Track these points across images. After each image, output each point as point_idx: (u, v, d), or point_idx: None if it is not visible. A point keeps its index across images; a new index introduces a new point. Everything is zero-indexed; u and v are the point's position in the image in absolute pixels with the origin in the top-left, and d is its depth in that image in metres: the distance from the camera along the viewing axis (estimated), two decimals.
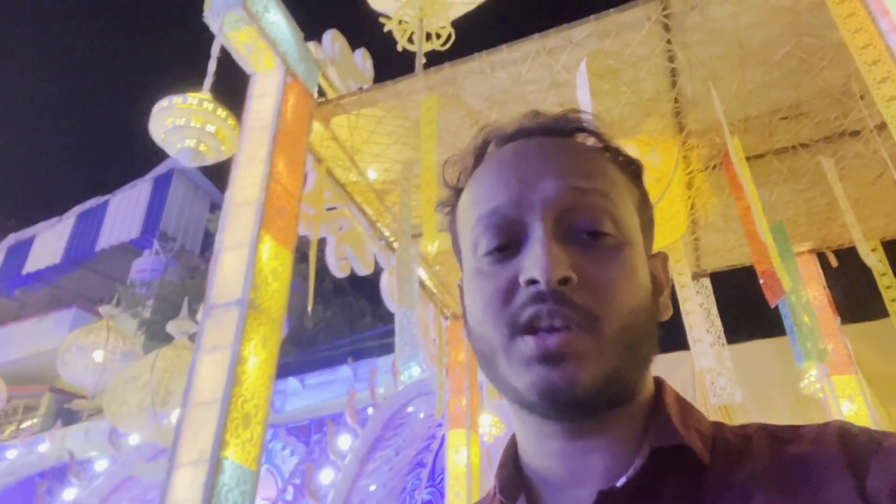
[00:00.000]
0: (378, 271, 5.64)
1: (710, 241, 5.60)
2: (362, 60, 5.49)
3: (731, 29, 3.84)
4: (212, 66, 3.76)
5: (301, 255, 4.63)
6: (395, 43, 5.65)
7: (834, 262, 5.54)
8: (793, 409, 6.62)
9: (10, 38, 26.91)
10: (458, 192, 0.66)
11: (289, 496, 8.59)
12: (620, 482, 0.52)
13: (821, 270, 5.59)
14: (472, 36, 5.48)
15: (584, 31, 3.85)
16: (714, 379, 4.97)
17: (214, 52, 3.78)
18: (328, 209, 5.04)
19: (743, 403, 5.49)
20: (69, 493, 9.98)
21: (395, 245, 5.36)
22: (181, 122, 3.50)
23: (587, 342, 0.52)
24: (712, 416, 0.60)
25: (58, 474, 10.79)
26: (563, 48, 3.93)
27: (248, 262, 3.46)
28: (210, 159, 3.69)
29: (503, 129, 0.65)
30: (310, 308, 4.11)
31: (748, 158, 4.27)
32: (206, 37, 3.94)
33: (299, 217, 4.05)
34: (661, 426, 0.54)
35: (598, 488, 0.52)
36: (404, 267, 4.36)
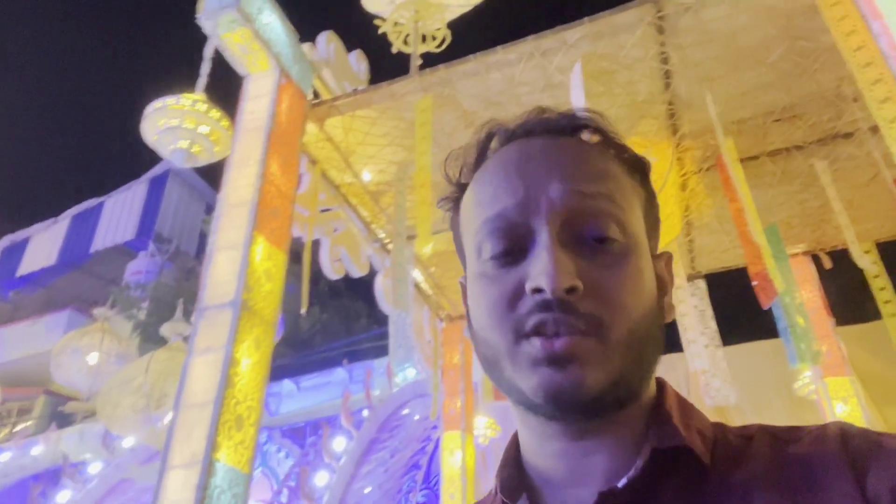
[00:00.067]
0: (374, 273, 5.64)
1: (704, 242, 5.61)
2: (357, 62, 5.49)
3: (724, 31, 3.85)
4: (205, 67, 3.76)
5: (296, 257, 4.63)
6: (389, 45, 5.66)
7: (828, 264, 5.56)
8: (787, 411, 6.63)
9: (5, 39, 26.86)
10: (460, 187, 0.65)
11: (283, 499, 8.57)
12: (621, 482, 0.52)
13: (815, 272, 5.60)
14: (467, 37, 5.49)
15: (579, 32, 3.85)
16: (709, 380, 4.97)
17: (208, 53, 3.78)
18: (323, 211, 5.04)
19: (738, 405, 5.49)
20: (63, 496, 9.93)
21: (390, 247, 5.36)
22: (174, 122, 3.49)
23: (593, 346, 0.52)
24: (708, 417, 0.60)
25: (52, 477, 10.74)
26: (558, 50, 3.93)
27: (241, 263, 3.46)
28: (203, 160, 3.69)
29: (507, 125, 0.64)
30: (303, 310, 4.10)
31: (742, 160, 4.29)
32: (204, 38, 3.94)
33: (294, 218, 4.05)
34: (662, 427, 0.55)
35: (599, 488, 0.52)
36: (399, 269, 4.36)
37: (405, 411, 8.22)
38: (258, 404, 3.27)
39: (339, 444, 8.33)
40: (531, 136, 0.62)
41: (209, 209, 17.16)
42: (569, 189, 0.56)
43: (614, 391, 0.52)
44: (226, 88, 4.25)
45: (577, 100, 3.57)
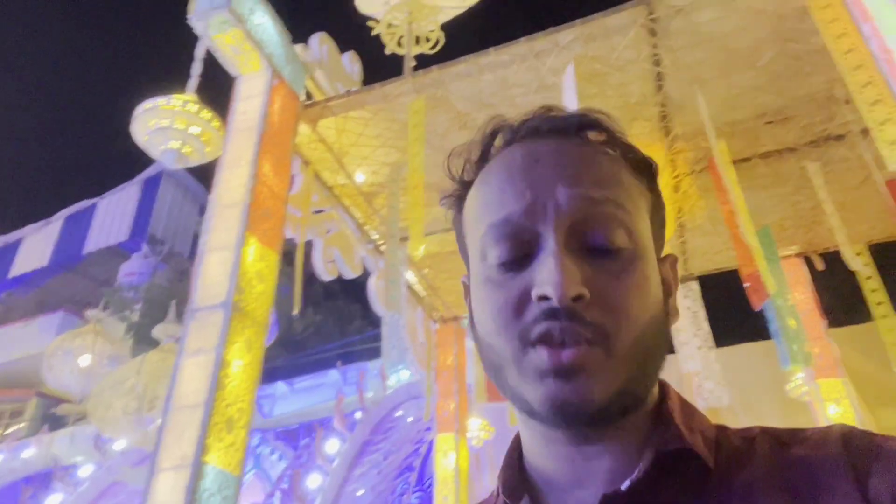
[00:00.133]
0: (368, 274, 5.62)
1: (697, 244, 5.62)
2: (351, 63, 5.48)
3: (716, 33, 3.86)
4: (196, 68, 3.74)
5: (289, 258, 4.62)
6: (383, 47, 5.66)
7: (820, 266, 5.57)
8: (780, 413, 6.64)
9: None
10: (463, 185, 0.64)
11: (276, 501, 8.53)
12: (624, 485, 0.52)
13: (808, 274, 5.62)
14: (460, 39, 5.50)
15: (571, 34, 3.86)
16: (701, 382, 4.98)
17: (199, 54, 3.77)
18: (315, 212, 5.02)
19: (730, 406, 5.50)
20: (54, 499, 9.88)
21: (383, 248, 5.35)
22: (165, 123, 3.48)
23: (599, 357, 0.51)
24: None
25: (43, 480, 10.68)
26: (550, 51, 3.93)
27: (233, 264, 3.44)
28: (194, 161, 3.67)
29: (512, 123, 0.62)
30: (295, 311, 4.08)
31: (734, 162, 4.30)
32: (196, 38, 3.92)
33: (286, 219, 4.03)
34: (665, 430, 0.55)
35: (602, 491, 0.52)
36: (392, 270, 4.35)
37: (398, 413, 8.21)
38: (249, 406, 3.25)
39: (332, 445, 8.31)
40: (537, 136, 0.61)
41: (203, 211, 17.09)
42: (576, 194, 0.55)
43: (620, 401, 0.52)
44: (218, 89, 4.24)
45: (569, 101, 3.57)
